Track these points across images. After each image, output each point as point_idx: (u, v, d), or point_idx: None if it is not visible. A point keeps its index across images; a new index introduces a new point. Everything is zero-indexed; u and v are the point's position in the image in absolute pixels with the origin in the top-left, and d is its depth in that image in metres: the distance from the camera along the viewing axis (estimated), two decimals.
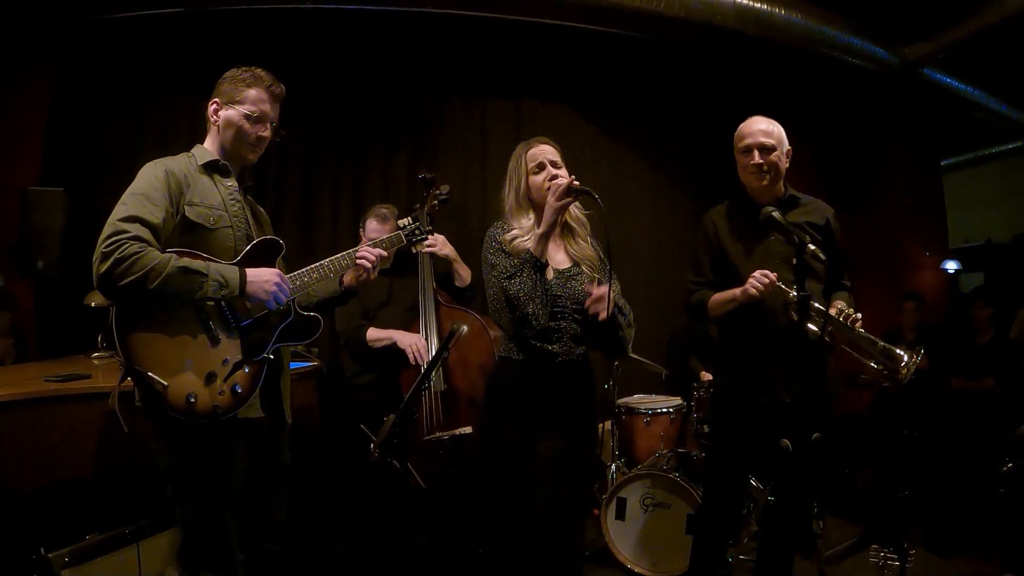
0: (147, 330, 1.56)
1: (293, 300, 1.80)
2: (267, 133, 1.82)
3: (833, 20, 4.02)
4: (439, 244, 2.85)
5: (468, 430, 2.61)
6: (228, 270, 1.65)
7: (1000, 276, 7.01)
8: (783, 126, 2.22)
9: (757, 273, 2.02)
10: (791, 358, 2.02)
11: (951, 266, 5.96)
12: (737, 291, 2.09)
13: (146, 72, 3.66)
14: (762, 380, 2.15)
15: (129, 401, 1.67)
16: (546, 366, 1.89)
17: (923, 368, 2.03)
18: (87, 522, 2.09)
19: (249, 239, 1.78)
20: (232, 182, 1.81)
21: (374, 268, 1.92)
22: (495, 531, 2.04)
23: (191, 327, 1.62)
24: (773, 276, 2.01)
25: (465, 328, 1.85)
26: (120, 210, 1.57)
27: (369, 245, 1.95)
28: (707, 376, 3.66)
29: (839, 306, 2.05)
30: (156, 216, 1.59)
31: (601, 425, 3.16)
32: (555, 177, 1.91)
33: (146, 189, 1.62)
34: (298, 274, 1.82)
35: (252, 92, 1.78)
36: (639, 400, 3.52)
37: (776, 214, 1.92)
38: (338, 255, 1.90)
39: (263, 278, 1.69)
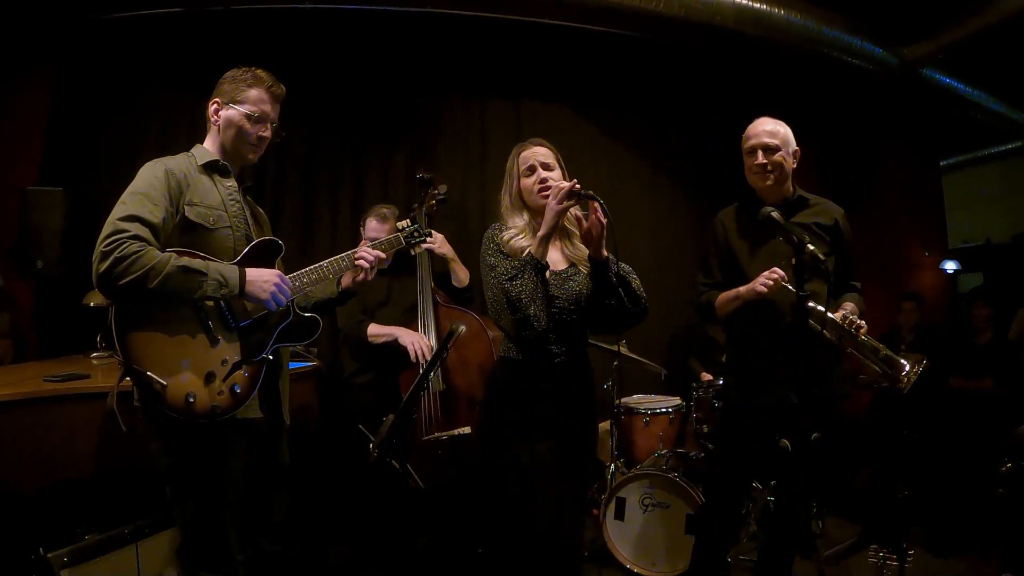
0: (146, 330, 1.56)
1: (292, 301, 1.80)
2: (267, 133, 1.83)
3: (832, 20, 4.03)
4: (438, 242, 2.85)
5: (467, 430, 2.61)
6: (228, 270, 1.65)
7: (999, 276, 7.02)
8: None
9: (766, 272, 2.03)
10: (798, 358, 2.02)
11: (950, 266, 5.96)
12: (742, 289, 2.09)
13: (146, 72, 3.66)
14: (769, 380, 2.15)
15: (128, 401, 1.67)
16: (546, 366, 1.89)
17: (924, 369, 2.03)
18: (86, 522, 2.09)
19: (248, 239, 1.78)
20: (232, 182, 1.81)
21: (372, 269, 1.92)
22: (494, 531, 2.04)
23: (190, 327, 1.62)
24: (782, 274, 2.01)
25: (464, 328, 1.85)
26: (120, 209, 1.57)
27: (368, 247, 1.95)
28: (707, 376, 3.66)
29: (844, 312, 2.05)
30: (156, 216, 1.59)
31: (600, 425, 3.16)
32: (545, 180, 1.91)
33: (146, 188, 1.62)
34: (297, 275, 1.82)
35: (253, 92, 1.78)
36: (638, 400, 3.52)
37: (775, 214, 1.92)
38: (337, 256, 1.90)
39: (263, 278, 1.69)
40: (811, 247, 1.82)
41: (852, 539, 3.04)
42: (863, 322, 2.03)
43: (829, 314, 2.01)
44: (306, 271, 1.84)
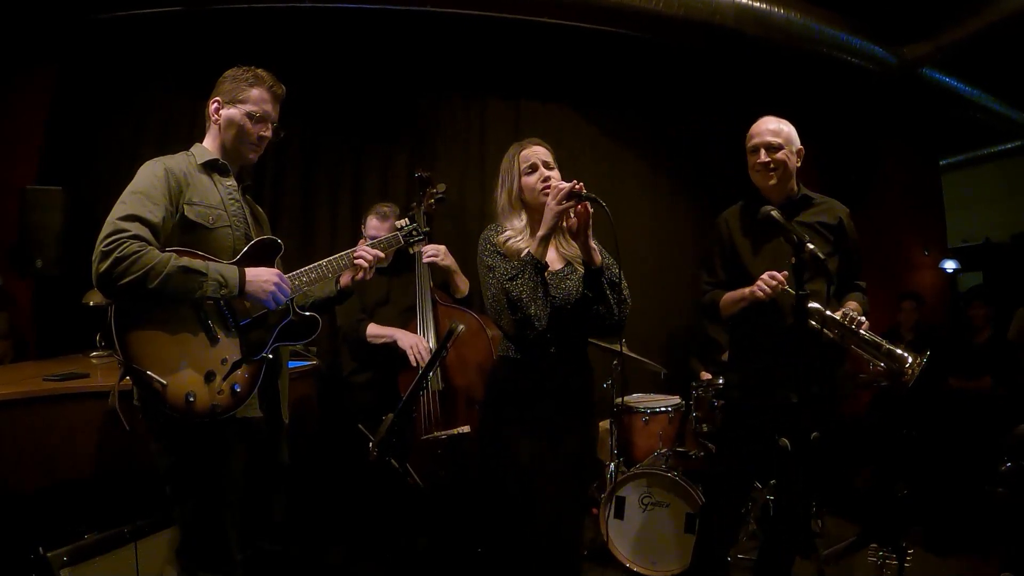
0: (146, 329, 1.56)
1: (291, 300, 1.80)
2: (268, 133, 1.83)
3: (832, 20, 4.03)
4: (440, 255, 2.85)
5: (466, 429, 2.61)
6: (228, 270, 1.65)
7: (999, 276, 7.03)
8: None
9: (765, 275, 2.03)
10: (799, 358, 2.02)
11: (950, 266, 5.96)
12: (746, 291, 2.10)
13: (145, 71, 3.66)
14: (770, 380, 2.15)
15: (128, 400, 1.67)
16: (545, 365, 1.90)
17: (922, 367, 2.03)
18: (86, 521, 2.09)
19: (248, 239, 1.78)
20: (231, 181, 1.81)
21: (371, 268, 1.93)
22: (494, 530, 2.04)
23: (190, 326, 1.62)
24: (781, 276, 2.01)
25: (463, 327, 1.85)
26: (120, 209, 1.57)
27: (368, 246, 1.95)
28: (707, 376, 3.66)
29: (845, 309, 2.05)
30: (156, 215, 1.59)
31: (600, 424, 3.16)
32: (547, 179, 1.91)
33: (146, 188, 1.62)
34: (297, 274, 1.82)
35: (254, 92, 1.78)
36: (638, 399, 3.52)
37: (775, 213, 1.92)
38: (336, 255, 1.90)
39: (262, 278, 1.69)
40: (810, 246, 1.82)
41: (852, 538, 3.04)
42: (864, 319, 2.03)
43: (828, 312, 2.01)
44: (305, 270, 1.84)
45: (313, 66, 3.79)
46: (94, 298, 2.93)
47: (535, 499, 1.83)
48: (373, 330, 2.83)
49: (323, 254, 1.91)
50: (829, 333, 2.01)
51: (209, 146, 1.82)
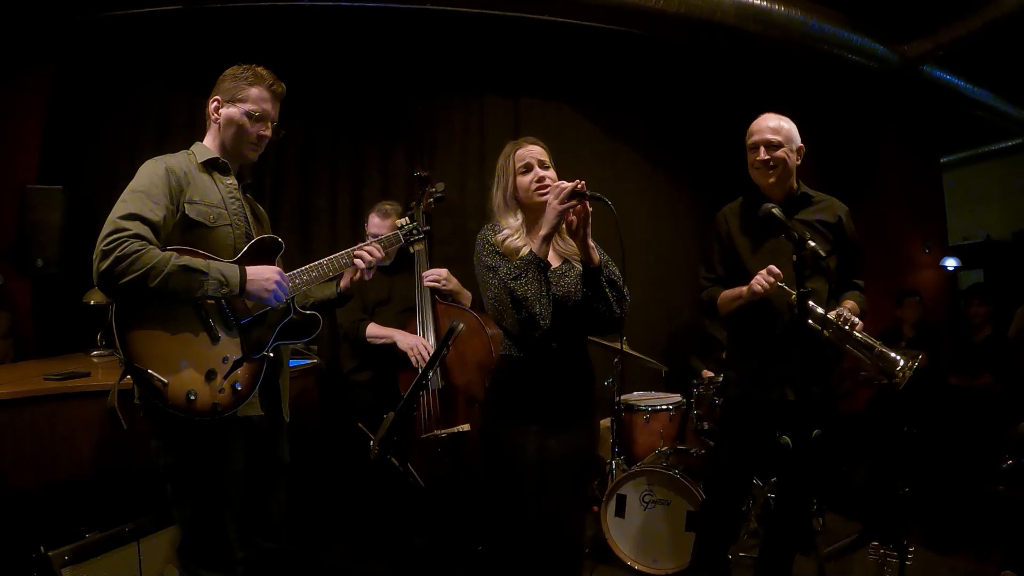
0: (147, 328, 1.56)
1: (292, 298, 1.80)
2: (268, 132, 1.82)
3: (833, 17, 4.02)
4: (443, 280, 2.84)
5: (466, 427, 2.61)
6: (228, 268, 1.65)
7: (999, 273, 7.02)
8: None
9: (763, 271, 2.02)
10: (797, 356, 2.02)
11: (950, 263, 5.96)
12: (744, 288, 2.10)
13: (142, 70, 3.65)
14: (767, 378, 2.15)
15: (128, 399, 1.67)
16: (546, 363, 1.89)
17: (922, 365, 2.03)
18: (87, 520, 2.09)
19: (248, 237, 1.78)
20: (231, 180, 1.81)
21: (369, 268, 1.92)
22: (495, 528, 2.04)
23: (191, 325, 1.62)
24: (779, 273, 2.00)
25: (463, 326, 1.85)
26: (120, 208, 1.57)
27: (369, 243, 1.95)
28: (708, 373, 3.66)
29: (840, 309, 2.05)
30: (156, 214, 1.59)
31: (601, 422, 3.16)
32: (542, 178, 1.90)
33: (146, 187, 1.62)
34: (297, 272, 1.82)
35: (254, 91, 1.78)
36: (639, 397, 3.52)
37: (776, 211, 1.92)
38: (337, 254, 1.90)
39: (263, 276, 1.69)
40: (811, 244, 1.82)
41: (853, 536, 3.04)
42: (858, 319, 2.03)
43: (819, 310, 2.01)
44: (306, 268, 1.84)
45: (311, 64, 3.78)
46: (94, 297, 2.93)
47: (537, 497, 1.83)
48: (373, 331, 2.83)
49: (322, 253, 1.90)
50: (826, 333, 2.01)
51: (209, 145, 1.82)
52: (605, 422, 3.25)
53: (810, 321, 1.93)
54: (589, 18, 3.68)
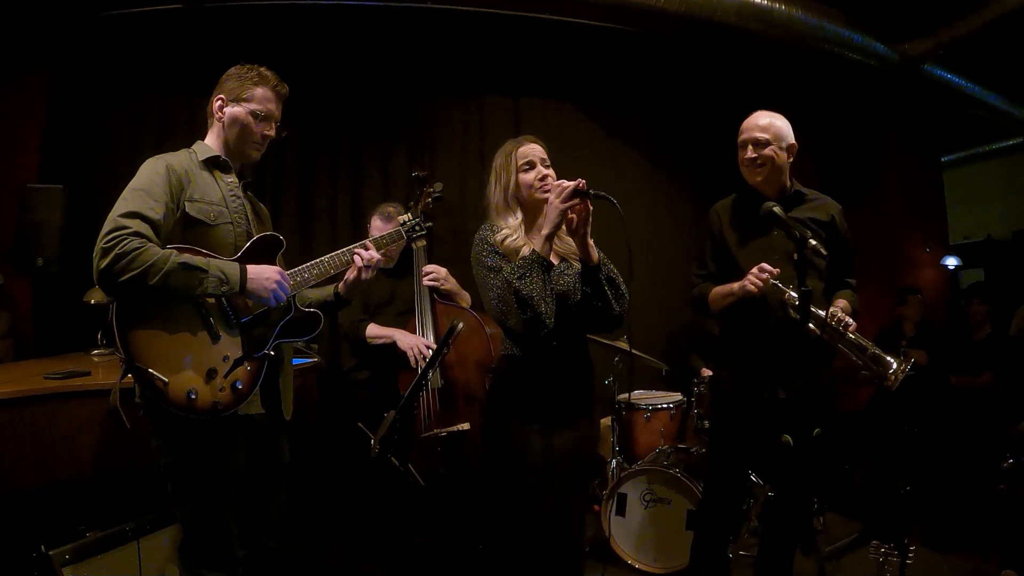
0: (147, 327, 1.56)
1: (293, 297, 1.80)
2: (271, 132, 1.83)
3: (834, 16, 4.02)
4: (441, 278, 2.84)
5: (466, 426, 2.61)
6: (229, 267, 1.65)
7: (1000, 272, 7.02)
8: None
9: (755, 269, 2.02)
10: (788, 354, 2.02)
11: (951, 262, 5.96)
12: (735, 285, 2.09)
13: (142, 70, 3.65)
14: (759, 376, 2.15)
15: (129, 398, 1.67)
16: (547, 363, 1.89)
17: (922, 364, 2.03)
18: (88, 519, 2.09)
19: (249, 235, 1.78)
20: (232, 178, 1.81)
21: (369, 268, 1.91)
22: (495, 528, 2.04)
23: (192, 324, 1.62)
24: (773, 271, 2.00)
25: (463, 325, 1.84)
26: (121, 206, 1.57)
27: (371, 241, 1.95)
28: (708, 372, 3.66)
29: (833, 309, 2.05)
30: (157, 212, 1.59)
31: (601, 421, 3.16)
32: (544, 177, 1.90)
33: (147, 185, 1.62)
34: (298, 270, 1.82)
35: (260, 91, 1.78)
36: (639, 396, 3.52)
37: (777, 209, 1.92)
38: (338, 251, 1.90)
39: (264, 275, 1.68)
40: (813, 242, 1.81)
41: (853, 535, 3.04)
42: (851, 320, 2.03)
43: (814, 310, 2.00)
44: (307, 266, 1.84)
45: (311, 64, 3.77)
46: (95, 296, 2.93)
47: (537, 496, 1.83)
48: (372, 331, 2.83)
49: (322, 253, 1.90)
50: (819, 331, 2.00)
51: (211, 143, 1.82)
52: (606, 421, 3.25)
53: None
54: (590, 17, 3.68)
